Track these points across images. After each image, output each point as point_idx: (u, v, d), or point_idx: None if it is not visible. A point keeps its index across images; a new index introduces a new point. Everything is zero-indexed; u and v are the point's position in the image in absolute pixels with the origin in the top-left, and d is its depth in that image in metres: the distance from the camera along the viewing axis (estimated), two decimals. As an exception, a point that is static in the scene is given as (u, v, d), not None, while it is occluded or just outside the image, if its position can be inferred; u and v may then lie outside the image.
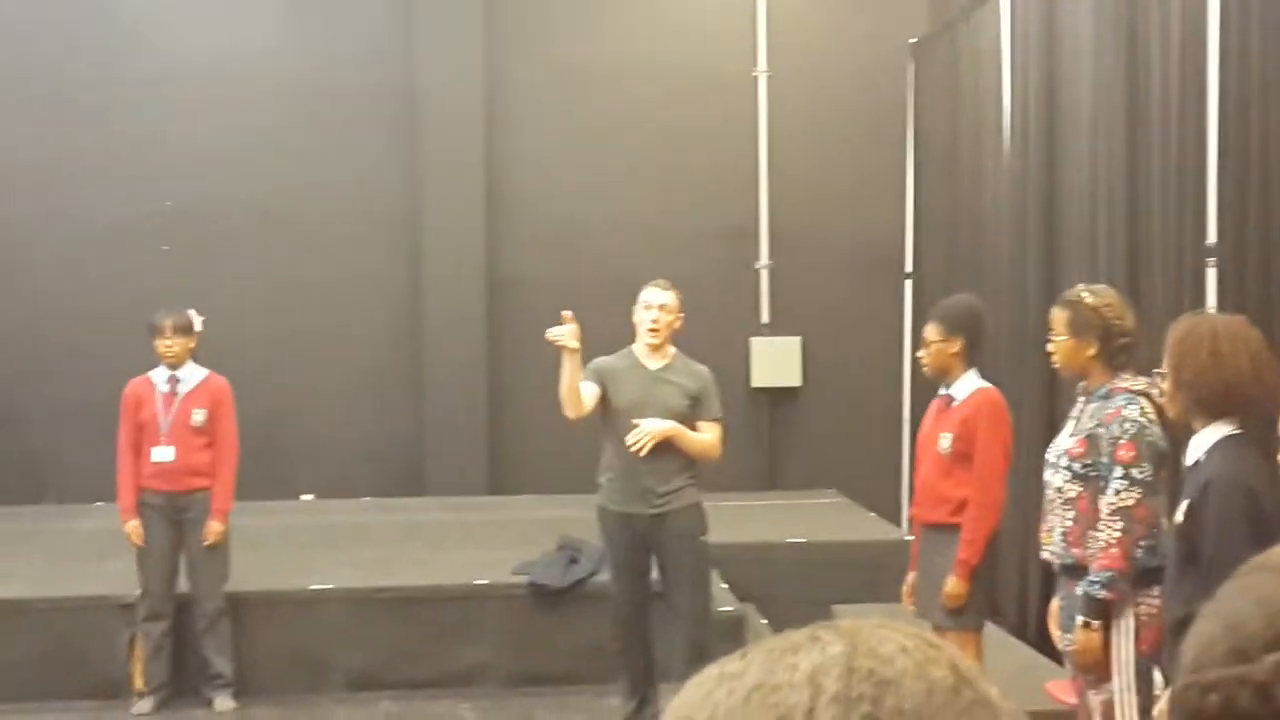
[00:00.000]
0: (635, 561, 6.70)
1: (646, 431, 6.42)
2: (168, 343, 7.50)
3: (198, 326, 7.63)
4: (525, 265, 11.22)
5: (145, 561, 7.50)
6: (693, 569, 6.69)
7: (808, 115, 11.55)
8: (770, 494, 11.38)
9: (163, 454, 7.43)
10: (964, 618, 5.84)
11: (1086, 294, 4.97)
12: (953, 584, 5.77)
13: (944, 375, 5.99)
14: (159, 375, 7.57)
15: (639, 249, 11.36)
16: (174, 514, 7.46)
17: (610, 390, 6.58)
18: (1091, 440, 4.79)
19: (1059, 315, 4.97)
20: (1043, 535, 4.98)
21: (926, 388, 11.07)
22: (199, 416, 7.49)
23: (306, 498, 11.28)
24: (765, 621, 8.45)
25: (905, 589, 6.21)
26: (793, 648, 0.87)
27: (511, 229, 11.43)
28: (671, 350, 6.71)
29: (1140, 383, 4.83)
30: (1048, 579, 7.87)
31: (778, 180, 11.54)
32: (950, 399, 5.98)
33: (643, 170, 11.51)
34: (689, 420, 6.58)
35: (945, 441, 5.89)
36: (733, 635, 7.94)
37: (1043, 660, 7.18)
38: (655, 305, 6.65)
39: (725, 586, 8.57)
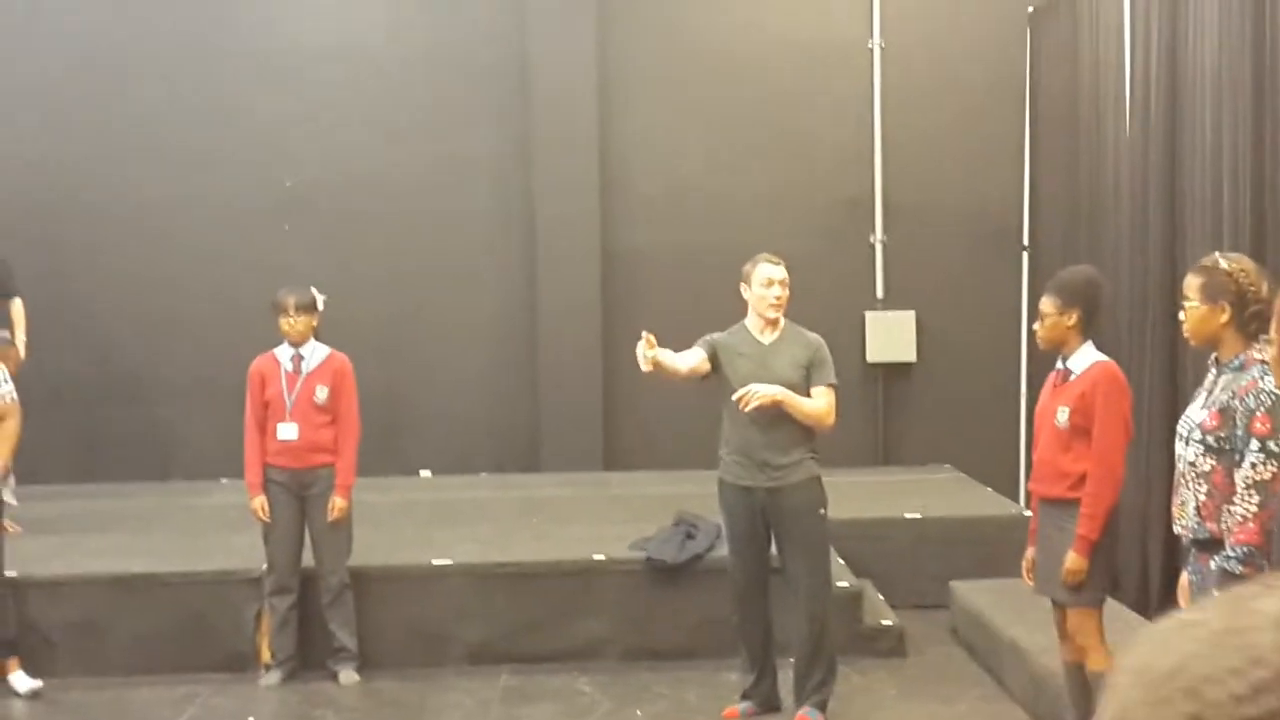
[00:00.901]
0: (753, 535, 6.72)
1: (754, 391, 6.43)
2: (291, 320, 7.62)
3: (320, 305, 7.74)
4: (639, 240, 11.25)
5: (271, 537, 7.66)
6: (810, 543, 6.68)
7: (924, 87, 11.45)
8: (885, 469, 11.33)
9: (287, 431, 7.58)
10: (1084, 594, 5.79)
11: (1222, 260, 4.89)
12: (1072, 559, 5.73)
13: (1059, 348, 5.93)
14: (283, 353, 7.71)
15: (753, 223, 11.34)
16: (298, 490, 7.60)
17: (726, 366, 6.63)
18: (1225, 413, 4.70)
19: (1192, 281, 4.89)
20: (1175, 509, 4.91)
21: (1044, 362, 10.98)
22: (322, 394, 7.62)
23: (424, 474, 11.42)
24: (883, 598, 8.44)
25: (1024, 565, 6.17)
26: (1252, 595, 0.87)
27: (625, 205, 11.46)
28: (783, 322, 6.75)
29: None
30: (1170, 553, 7.81)
31: (893, 153, 11.46)
32: (1068, 372, 5.92)
33: (756, 144, 11.48)
34: (803, 391, 6.58)
35: (1063, 415, 5.83)
36: (850, 611, 7.98)
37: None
38: (776, 281, 6.69)
39: (842, 563, 8.56)
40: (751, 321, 6.73)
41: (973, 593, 8.24)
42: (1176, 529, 4.94)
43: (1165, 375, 7.54)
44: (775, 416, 6.52)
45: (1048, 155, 10.91)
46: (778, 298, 6.67)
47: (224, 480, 11.03)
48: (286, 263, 10.97)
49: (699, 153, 11.49)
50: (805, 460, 6.63)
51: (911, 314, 11.45)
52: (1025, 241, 11.30)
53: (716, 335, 6.75)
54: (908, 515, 9.27)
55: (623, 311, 11.16)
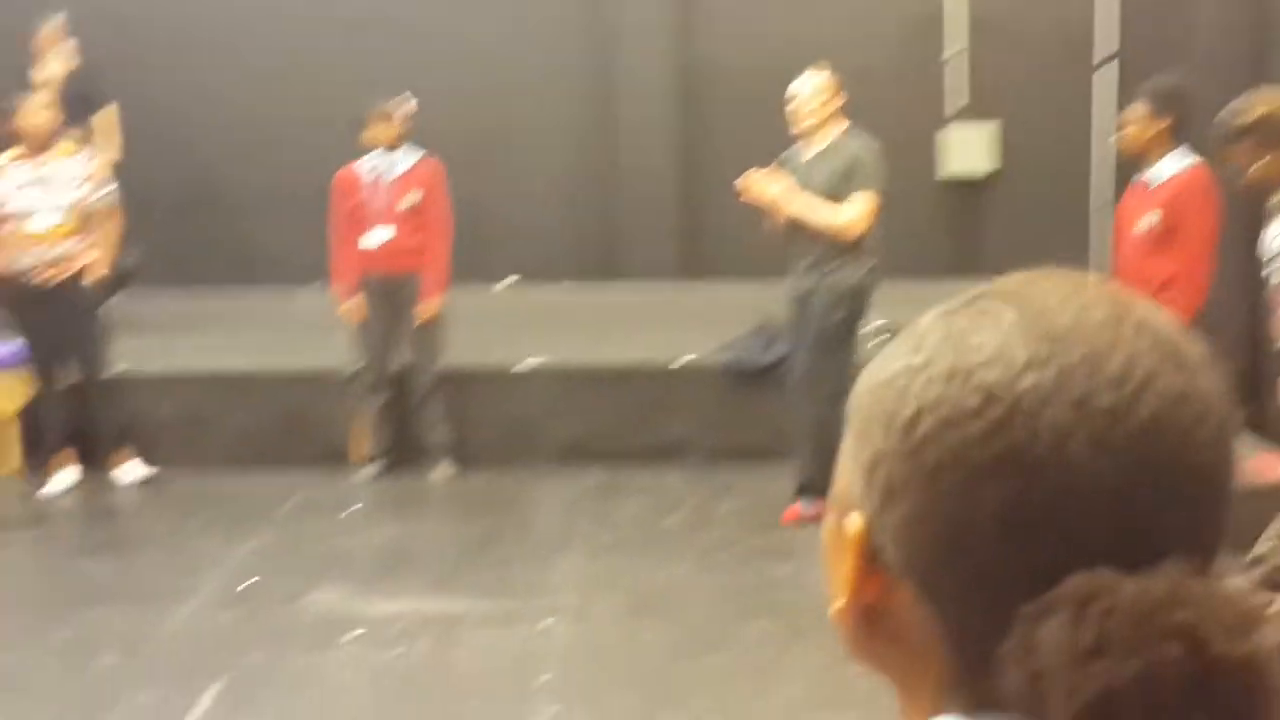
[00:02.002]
0: (795, 332, 6.89)
1: (764, 185, 6.59)
2: (383, 127, 7.72)
3: (411, 110, 7.84)
4: (717, 49, 11.18)
5: (364, 338, 7.86)
6: (818, 341, 6.71)
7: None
8: (960, 279, 11.34)
9: (378, 235, 7.73)
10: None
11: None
12: None
13: (1143, 156, 5.94)
14: (374, 158, 7.83)
15: (832, 32, 11.26)
16: (390, 292, 7.78)
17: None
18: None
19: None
20: (1273, 330, 4.99)
21: (1124, 172, 10.96)
22: (413, 198, 7.76)
23: (507, 280, 11.59)
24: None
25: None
26: (969, 328, 0.90)
27: (703, 14, 11.41)
28: (835, 132, 6.69)
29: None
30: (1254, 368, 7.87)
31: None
32: (1152, 178, 5.95)
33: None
34: (841, 198, 6.59)
35: (1149, 220, 5.88)
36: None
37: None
38: (803, 93, 6.70)
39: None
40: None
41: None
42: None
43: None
44: (799, 227, 6.62)
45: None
46: (798, 110, 6.69)
47: (310, 285, 11.27)
48: (369, 73, 11.02)
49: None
50: (846, 266, 6.67)
51: (994, 124, 11.39)
52: (1112, 50, 11.17)
53: (784, 155, 6.86)
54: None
55: (701, 117, 11.19)
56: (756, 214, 6.88)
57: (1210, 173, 5.97)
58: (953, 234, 11.65)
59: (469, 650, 5.45)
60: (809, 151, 6.72)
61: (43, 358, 7.59)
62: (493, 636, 5.56)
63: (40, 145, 7.50)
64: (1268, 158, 4.89)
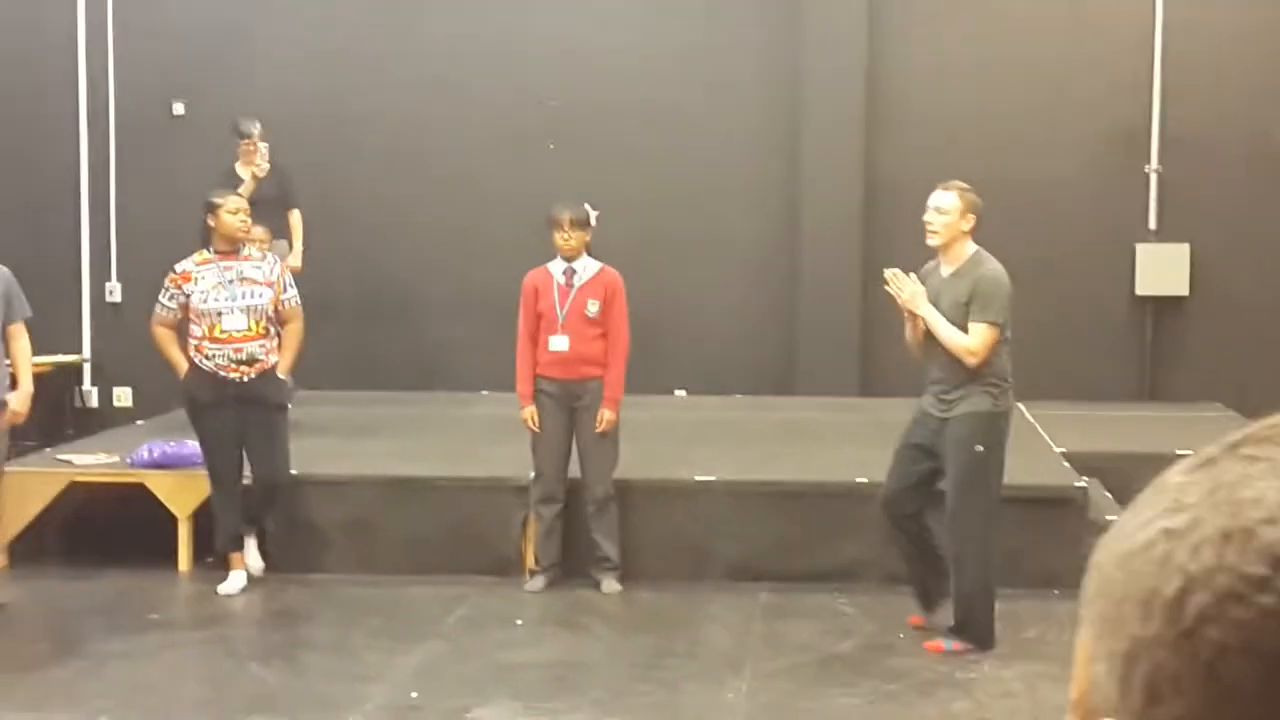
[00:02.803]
0: (913, 450, 6.83)
1: (907, 293, 6.58)
2: (565, 235, 7.73)
3: (593, 220, 7.84)
4: (904, 167, 11.05)
5: (540, 447, 7.81)
6: (960, 475, 6.64)
7: (1205, 7, 11.01)
8: (1151, 405, 11.03)
9: (559, 343, 7.70)
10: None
11: None
12: None
13: None
14: (556, 267, 7.83)
15: (1023, 150, 11.13)
16: (568, 401, 7.74)
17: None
18: None
19: None
20: None
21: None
22: (593, 307, 7.73)
23: (679, 393, 11.51)
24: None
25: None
26: (1240, 479, 0.74)
27: (891, 130, 11.31)
28: (969, 251, 6.68)
29: None
30: None
31: (1172, 79, 11.05)
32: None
33: (1029, 69, 11.21)
34: (964, 326, 6.56)
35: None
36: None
37: None
38: (931, 207, 6.69)
39: (1108, 495, 8.39)
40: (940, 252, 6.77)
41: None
42: None
43: None
44: (939, 348, 6.60)
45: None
46: (928, 223, 6.66)
47: (485, 392, 11.32)
48: (548, 184, 11.11)
49: (968, 75, 11.27)
50: (974, 395, 6.60)
51: (1186, 246, 11.07)
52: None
53: (927, 266, 6.86)
54: (1179, 451, 8.93)
55: (884, 236, 11.03)
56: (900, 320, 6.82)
57: None
58: (1143, 356, 11.31)
59: (636, 776, 5.27)
60: (945, 268, 6.72)
61: (223, 457, 7.65)
62: (661, 763, 5.38)
63: (233, 247, 7.63)
64: None
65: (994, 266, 6.68)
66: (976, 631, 6.76)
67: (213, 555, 8.06)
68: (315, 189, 10.74)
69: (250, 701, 6.02)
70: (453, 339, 11.76)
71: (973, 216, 6.68)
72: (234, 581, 7.69)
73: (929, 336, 6.66)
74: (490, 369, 11.30)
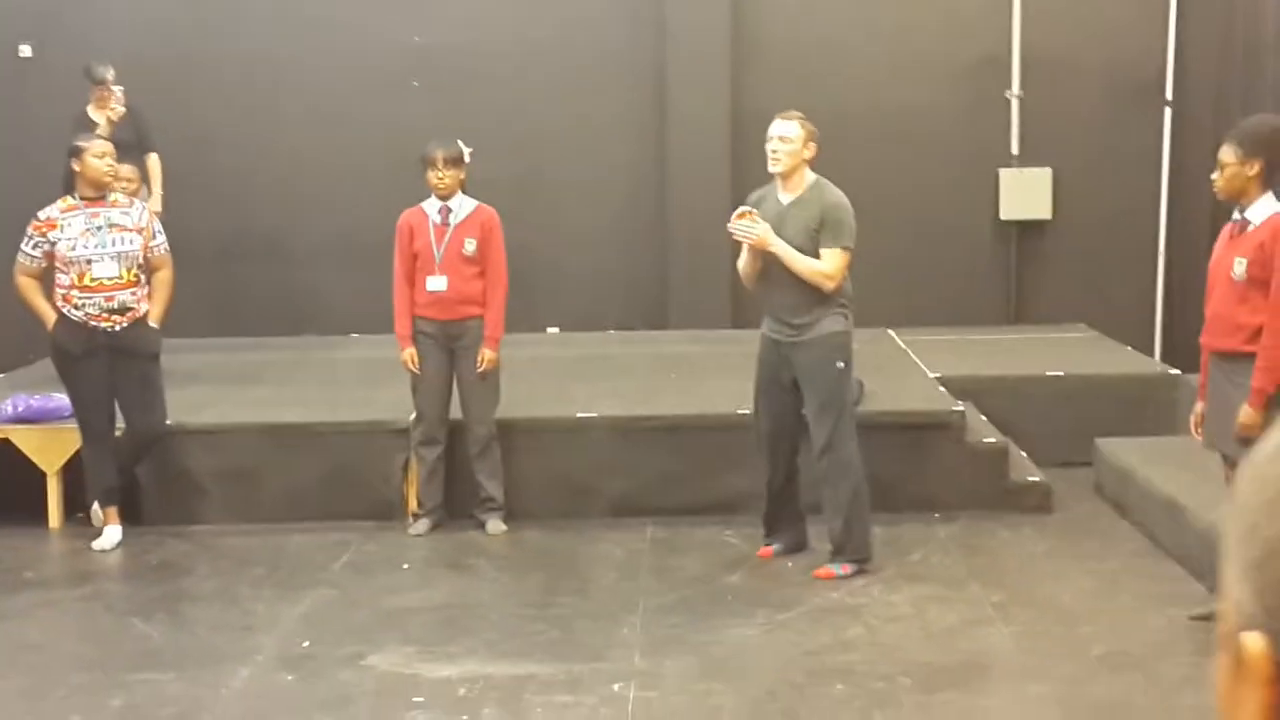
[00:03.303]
0: (775, 384, 6.94)
1: (748, 228, 6.64)
2: (440, 174, 7.61)
3: (467, 158, 7.73)
4: (771, 98, 10.87)
5: (420, 388, 7.72)
6: (824, 396, 6.80)
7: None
8: (1017, 328, 11.21)
9: (436, 283, 7.60)
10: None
11: None
12: (1246, 413, 5.64)
13: (1237, 199, 5.78)
14: (431, 206, 7.71)
15: (887, 79, 11.19)
16: (447, 341, 7.65)
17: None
18: None
19: None
20: None
21: (1186, 218, 10.79)
22: (470, 246, 7.63)
23: (552, 330, 11.46)
24: (1025, 454, 8.39)
25: (1193, 420, 6.09)
26: None
27: (756, 61, 11.29)
28: (809, 180, 6.81)
29: None
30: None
31: (1031, 4, 11.16)
32: (1244, 224, 5.79)
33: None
34: (811, 251, 6.69)
35: (1240, 267, 5.71)
36: (996, 467, 7.97)
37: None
38: (775, 136, 6.80)
39: (984, 419, 8.52)
40: (777, 179, 6.83)
41: (1120, 450, 8.16)
42: None
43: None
44: (785, 278, 6.71)
45: (1196, 4, 10.57)
46: (773, 153, 6.78)
47: (356, 335, 11.17)
48: (414, 121, 10.95)
49: (832, 11, 11.29)
50: (826, 317, 6.76)
51: (1048, 171, 11.24)
52: (1169, 96, 11.01)
53: (754, 194, 6.95)
54: (1050, 372, 9.17)
55: (752, 171, 10.98)
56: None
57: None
58: (1008, 279, 11.47)
59: (537, 718, 5.25)
60: (785, 195, 6.80)
61: (95, 410, 7.45)
62: (561, 703, 5.36)
63: (99, 193, 7.40)
64: None
65: (838, 192, 6.84)
66: (858, 547, 6.92)
67: (84, 511, 7.88)
68: (174, 132, 10.44)
69: (136, 658, 5.89)
70: (321, 282, 11.58)
71: (814, 145, 6.83)
72: (109, 536, 7.51)
73: (775, 266, 6.75)
74: (360, 312, 11.15)
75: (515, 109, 11.36)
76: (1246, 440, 5.68)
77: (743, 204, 6.88)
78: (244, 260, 11.58)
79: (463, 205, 7.71)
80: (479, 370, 7.62)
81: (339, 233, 11.43)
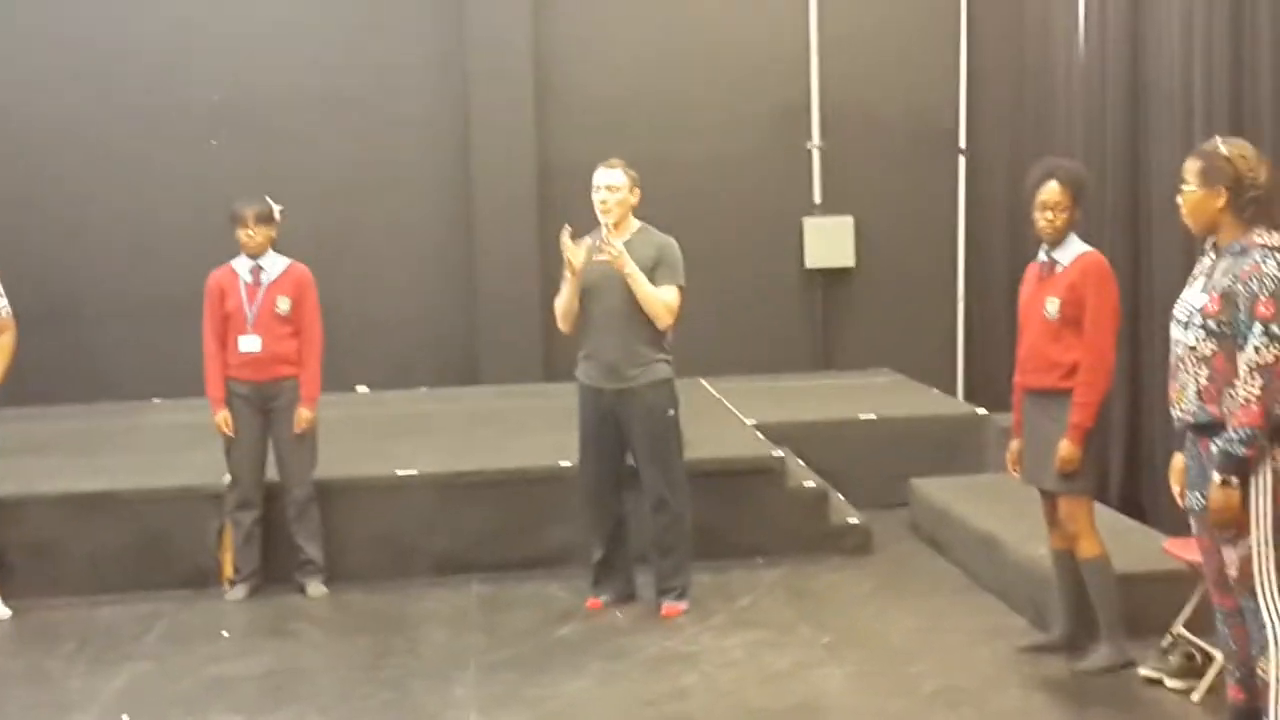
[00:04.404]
0: (601, 435, 6.98)
1: (617, 250, 6.71)
2: (249, 232, 7.46)
3: (277, 215, 7.58)
4: (576, 151, 11.00)
5: (234, 451, 7.52)
6: (657, 443, 6.90)
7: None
8: (825, 373, 11.39)
9: (250, 343, 7.42)
10: (1077, 482, 5.87)
11: (1222, 145, 4.90)
12: (1066, 448, 5.79)
13: (1059, 239, 5.93)
14: (241, 265, 7.54)
15: (690, 130, 11.34)
16: (262, 403, 7.47)
17: (585, 269, 6.85)
18: (1227, 297, 4.72)
19: (1191, 165, 4.90)
20: (1173, 394, 4.93)
21: (983, 263, 11.09)
22: (284, 305, 7.48)
23: (362, 389, 11.28)
24: (843, 497, 8.50)
25: (1009, 457, 6.22)
26: None
27: (561, 115, 11.34)
28: (635, 224, 6.94)
29: (1276, 238, 4.77)
30: (1132, 442, 7.93)
31: (829, 56, 11.42)
32: (1053, 264, 5.95)
33: (691, 51, 11.44)
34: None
35: (1053, 306, 5.87)
36: (816, 510, 8.05)
37: (1133, 523, 7.24)
38: (602, 186, 6.91)
39: (802, 463, 8.61)
40: (603, 228, 6.92)
41: (934, 489, 8.32)
42: (1175, 413, 4.96)
43: (1127, 274, 7.59)
44: (625, 321, 6.80)
45: (989, 53, 10.92)
46: (602, 202, 6.89)
47: (156, 400, 10.85)
48: (214, 179, 10.76)
49: (634, 58, 11.42)
50: (654, 364, 6.87)
51: (849, 219, 11.47)
52: (962, 144, 11.33)
53: (588, 239, 6.96)
54: (861, 416, 9.32)
55: (559, 223, 10.95)
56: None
57: (1103, 257, 6.01)
58: (814, 326, 11.66)
59: (377, 781, 5.11)
60: (616, 241, 6.84)
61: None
62: (399, 765, 5.23)
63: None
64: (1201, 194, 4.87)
65: (666, 236, 6.94)
66: (688, 587, 7.00)
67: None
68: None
69: (-56, 743, 5.59)
70: (116, 345, 11.23)
71: (638, 190, 6.96)
72: (-93, 616, 7.15)
73: (601, 311, 6.82)
74: (159, 375, 10.85)
75: (317, 163, 11.21)
76: (1067, 475, 5.84)
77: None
78: (35, 325, 11.12)
79: (275, 263, 7.56)
80: (296, 431, 7.45)
81: (135, 293, 11.13)
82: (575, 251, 6.83)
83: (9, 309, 7.41)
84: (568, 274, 6.89)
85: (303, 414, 7.46)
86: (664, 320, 6.81)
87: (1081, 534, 5.92)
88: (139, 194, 11.17)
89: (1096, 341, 5.82)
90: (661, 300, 6.78)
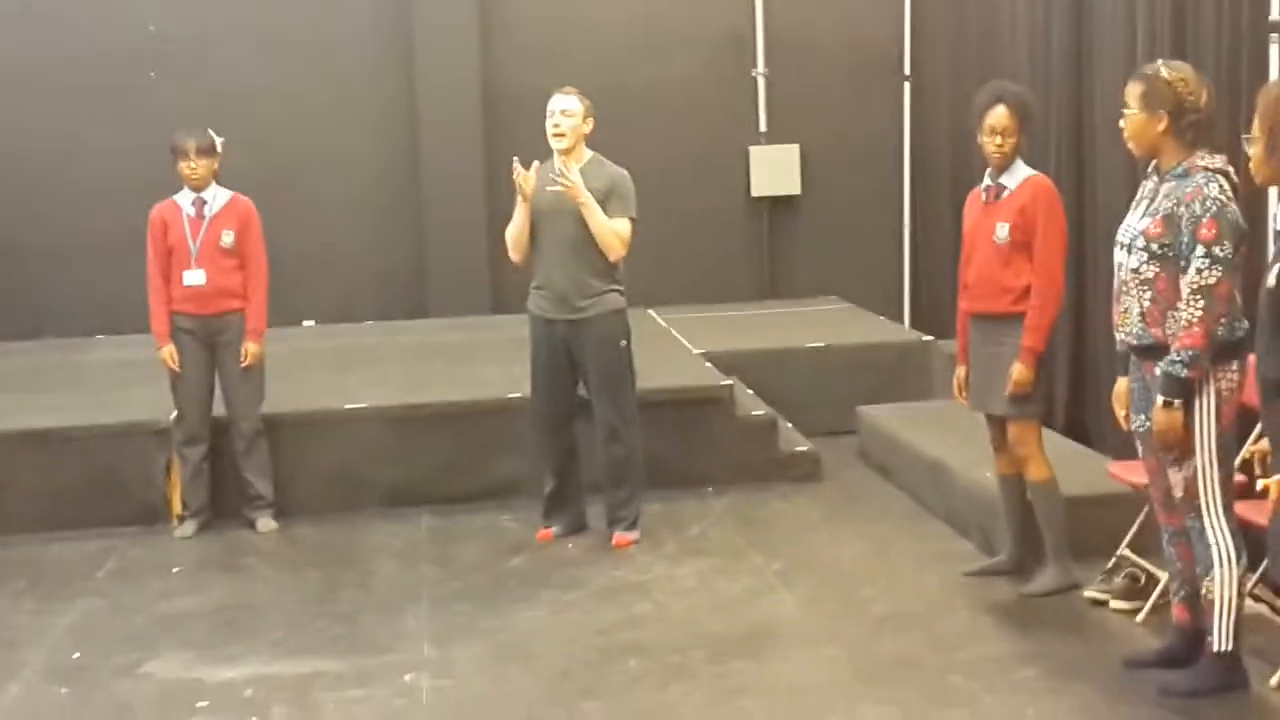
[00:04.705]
0: (554, 366, 6.98)
1: (571, 180, 6.67)
2: (191, 165, 7.37)
3: (219, 147, 7.49)
4: (521, 77, 10.95)
5: (180, 386, 7.47)
6: (609, 373, 6.92)
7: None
8: (772, 302, 11.41)
9: (194, 277, 7.36)
10: (1029, 406, 5.91)
11: (1163, 69, 4.92)
12: (1020, 371, 5.81)
13: (1007, 164, 5.94)
14: (184, 198, 7.46)
15: (635, 56, 11.26)
16: (208, 337, 7.42)
17: (536, 197, 6.84)
18: (1169, 220, 4.76)
19: (1132, 89, 4.91)
20: (1117, 317, 4.98)
21: (928, 190, 11.10)
22: (228, 238, 7.41)
23: (308, 324, 11.21)
24: (791, 425, 8.54)
25: (956, 383, 6.25)
26: None
27: (505, 41, 11.25)
28: (588, 154, 6.91)
29: (1218, 161, 4.81)
30: (1076, 365, 8.00)
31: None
32: (1000, 189, 5.96)
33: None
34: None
35: (1003, 231, 5.88)
36: (765, 438, 8.09)
37: (1079, 446, 7.32)
38: (557, 111, 6.86)
39: (751, 392, 8.63)
40: (557, 155, 6.87)
41: (881, 416, 8.37)
42: (1119, 335, 5.01)
43: (1072, 197, 7.61)
44: (577, 251, 6.79)
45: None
46: (555, 127, 6.84)
47: (100, 336, 10.76)
48: (154, 112, 10.59)
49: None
50: (607, 294, 6.87)
51: (795, 147, 11.45)
52: (907, 70, 11.32)
53: (541, 166, 6.92)
54: (811, 344, 9.35)
55: (505, 153, 10.88)
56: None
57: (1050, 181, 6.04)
58: (761, 254, 11.67)
59: (329, 715, 5.12)
60: (568, 169, 6.79)
61: None
62: (353, 698, 5.24)
63: None
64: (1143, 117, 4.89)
65: (618, 167, 6.93)
66: (639, 517, 7.05)
67: None
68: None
69: (-107, 683, 5.56)
70: (60, 281, 11.11)
71: (591, 120, 6.91)
72: None
73: (552, 242, 6.81)
74: (103, 312, 10.75)
75: (259, 95, 11.07)
76: (1019, 399, 5.88)
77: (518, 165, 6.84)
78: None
79: (217, 196, 7.48)
80: (243, 365, 7.41)
81: (77, 229, 10.99)
82: (527, 178, 6.78)
83: None
84: (520, 200, 6.85)
85: (250, 347, 7.41)
86: (616, 252, 6.81)
87: (1030, 457, 5.97)
88: (79, 127, 11.01)
89: (1047, 265, 5.85)
90: (614, 230, 6.77)
